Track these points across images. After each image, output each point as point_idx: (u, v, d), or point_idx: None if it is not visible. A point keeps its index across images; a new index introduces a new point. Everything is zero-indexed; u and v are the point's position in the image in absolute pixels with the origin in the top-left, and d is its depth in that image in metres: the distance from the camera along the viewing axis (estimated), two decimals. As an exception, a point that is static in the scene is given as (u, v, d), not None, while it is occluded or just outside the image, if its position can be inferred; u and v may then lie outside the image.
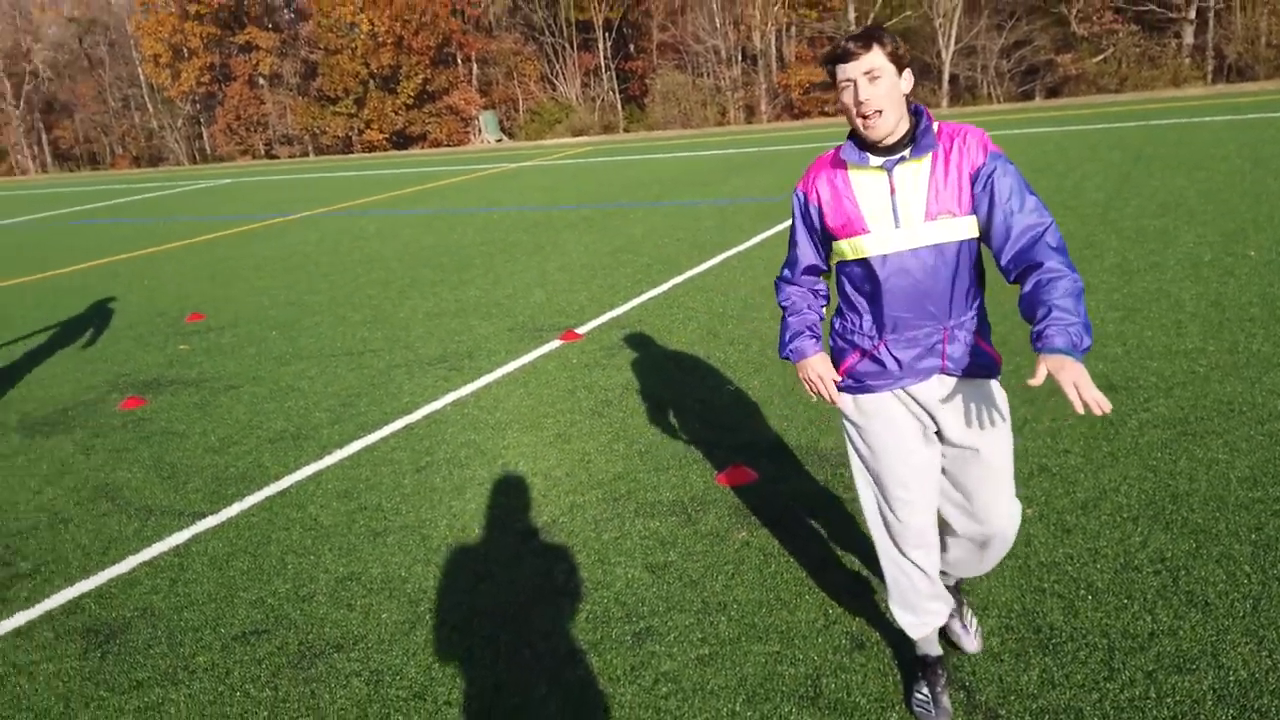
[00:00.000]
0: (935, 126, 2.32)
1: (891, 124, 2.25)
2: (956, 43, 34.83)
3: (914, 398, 2.47)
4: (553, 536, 3.79)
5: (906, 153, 2.29)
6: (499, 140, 40.76)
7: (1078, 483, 3.74)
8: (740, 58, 40.79)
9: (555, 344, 6.52)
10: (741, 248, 8.99)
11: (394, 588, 3.52)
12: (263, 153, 49.45)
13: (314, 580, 3.64)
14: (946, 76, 35.34)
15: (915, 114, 2.31)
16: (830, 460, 4.20)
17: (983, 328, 2.42)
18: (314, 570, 3.72)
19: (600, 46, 45.04)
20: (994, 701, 2.58)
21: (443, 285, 8.88)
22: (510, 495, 4.22)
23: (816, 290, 2.66)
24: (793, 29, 40.52)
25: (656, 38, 44.20)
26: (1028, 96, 34.41)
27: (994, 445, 2.46)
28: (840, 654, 2.85)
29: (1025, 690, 2.60)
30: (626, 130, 41.39)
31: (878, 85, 2.22)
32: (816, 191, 2.43)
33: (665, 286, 7.88)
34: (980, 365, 2.41)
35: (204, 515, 4.33)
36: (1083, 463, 3.91)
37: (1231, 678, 2.56)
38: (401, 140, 45.49)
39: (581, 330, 6.78)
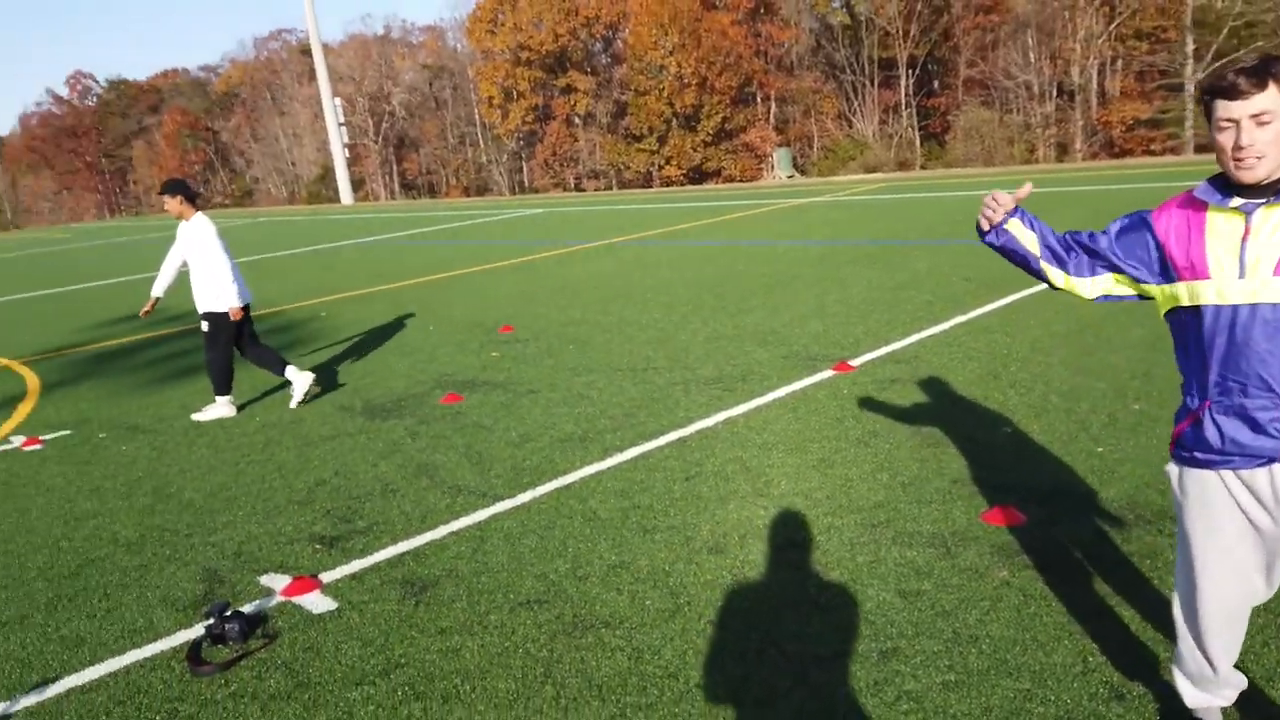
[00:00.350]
0: None
1: (1270, 169, 2.01)
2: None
3: (1246, 485, 2.19)
4: (808, 553, 3.94)
5: (1272, 196, 2.05)
6: (790, 176, 41.23)
7: None
8: (1055, 93, 38.43)
9: (828, 373, 6.64)
10: (1034, 290, 8.58)
11: (658, 579, 3.84)
12: (572, 186, 53.46)
13: (589, 564, 4.05)
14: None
15: None
16: (1111, 511, 4.00)
17: None
18: (590, 555, 4.13)
19: (902, 83, 44.28)
20: (1268, 776, 2.40)
21: (723, 312, 9.27)
22: (770, 510, 4.41)
23: (1063, 240, 2.42)
24: (1118, 62, 37.57)
25: (963, 74, 42.77)
26: None
27: None
28: (1096, 701, 2.77)
29: (1308, 770, 2.39)
30: (923, 167, 40.28)
31: (1265, 131, 1.97)
32: (1169, 224, 2.21)
33: (946, 325, 7.72)
34: None
35: (502, 498, 4.92)
36: None
37: None
38: (697, 175, 47.34)
39: (855, 362, 6.84)
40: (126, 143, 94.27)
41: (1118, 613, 3.23)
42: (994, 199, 2.42)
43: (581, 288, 11.98)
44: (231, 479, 5.69)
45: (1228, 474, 2.20)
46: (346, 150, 57.94)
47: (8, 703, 3.41)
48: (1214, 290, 2.11)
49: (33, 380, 9.58)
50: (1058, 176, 24.19)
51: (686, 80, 45.16)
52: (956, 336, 7.33)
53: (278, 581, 4.17)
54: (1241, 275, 2.08)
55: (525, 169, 58.05)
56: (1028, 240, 2.41)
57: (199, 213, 7.11)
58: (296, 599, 3.99)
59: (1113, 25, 36.00)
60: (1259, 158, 2.00)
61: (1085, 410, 5.32)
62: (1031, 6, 38.35)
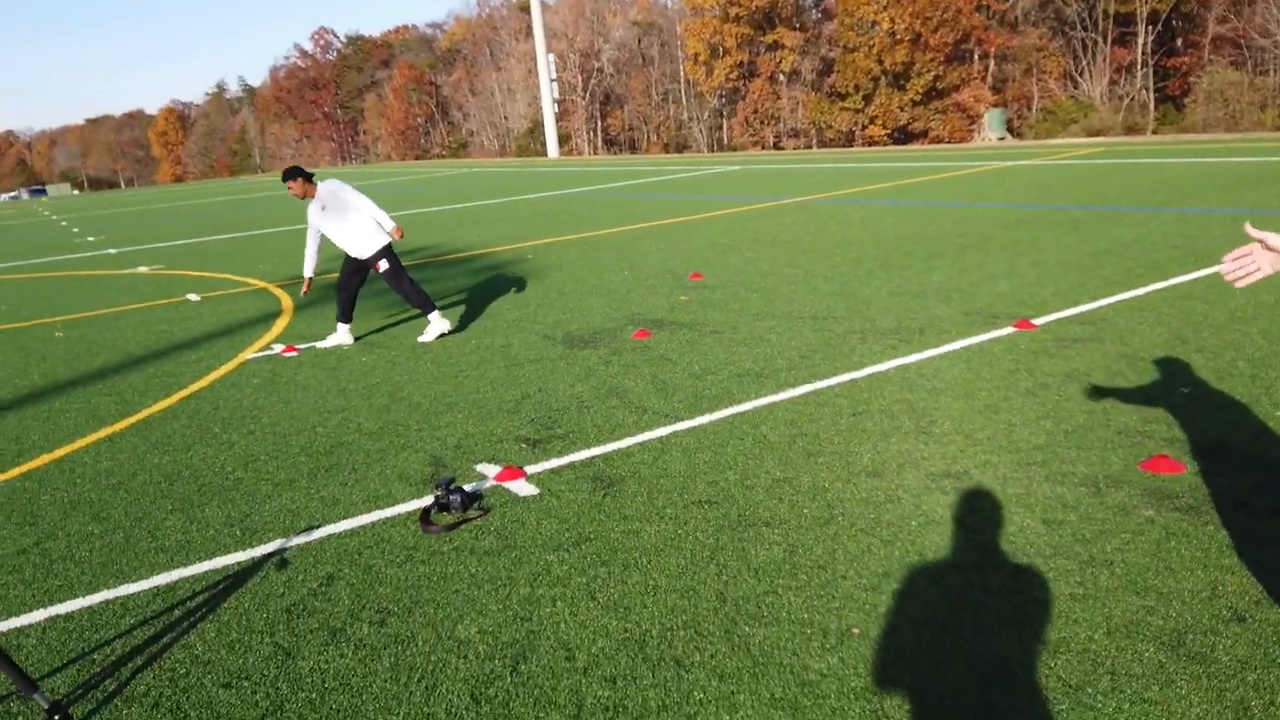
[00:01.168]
0: None
1: None
2: None
3: None
4: (960, 482, 4.23)
5: None
6: (1001, 139, 39.22)
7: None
8: (1321, 51, 34.38)
9: (1008, 330, 6.73)
10: (1250, 260, 8.15)
11: (816, 493, 4.26)
12: (771, 144, 53.13)
13: (756, 477, 4.52)
14: None
15: None
16: (1275, 469, 4.04)
17: None
18: (757, 470, 4.60)
19: (1140, 40, 40.94)
20: (1373, 696, 2.56)
21: (910, 269, 9.37)
22: (930, 445, 4.71)
23: None
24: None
25: (1212, 30, 38.99)
26: None
27: None
28: (1217, 620, 2.97)
29: None
30: (1154, 132, 37.26)
31: None
32: None
33: (1142, 290, 7.54)
34: None
35: (681, 419, 5.46)
36: None
37: None
38: (903, 136, 45.89)
39: (1038, 321, 6.87)
40: (359, 95, 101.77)
41: (1261, 556, 3.36)
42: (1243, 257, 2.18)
43: (771, 241, 12.30)
44: (451, 389, 6.55)
45: None
46: (556, 106, 60.09)
47: (284, 540, 4.30)
48: None
49: (287, 301, 11.07)
50: (1310, 144, 21.89)
51: (899, 36, 43.70)
52: (1151, 302, 7.17)
53: (490, 470, 4.91)
54: None
55: (725, 126, 58.17)
56: None
57: (319, 184, 7.87)
58: (506, 484, 4.70)
59: (1400, -27, 31.75)
60: None
61: (1273, 377, 5.21)
62: (1300, -47, 34.40)
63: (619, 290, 9.73)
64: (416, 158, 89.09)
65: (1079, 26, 42.50)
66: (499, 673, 3.08)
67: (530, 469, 4.87)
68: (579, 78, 65.37)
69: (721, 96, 57.20)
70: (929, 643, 3.02)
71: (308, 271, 8.14)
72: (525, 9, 65.80)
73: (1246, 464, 4.13)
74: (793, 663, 2.98)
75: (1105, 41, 41.94)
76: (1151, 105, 40.42)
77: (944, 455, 4.56)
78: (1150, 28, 40.49)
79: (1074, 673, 2.79)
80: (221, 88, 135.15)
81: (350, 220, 7.87)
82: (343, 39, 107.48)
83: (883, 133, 46.14)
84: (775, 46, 52.04)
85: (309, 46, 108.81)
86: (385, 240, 7.95)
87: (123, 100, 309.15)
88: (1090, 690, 2.71)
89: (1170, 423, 4.69)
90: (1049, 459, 4.39)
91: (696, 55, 54.63)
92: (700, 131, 59.66)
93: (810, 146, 50.53)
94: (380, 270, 7.96)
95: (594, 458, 4.97)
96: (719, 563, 3.69)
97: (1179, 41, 41.35)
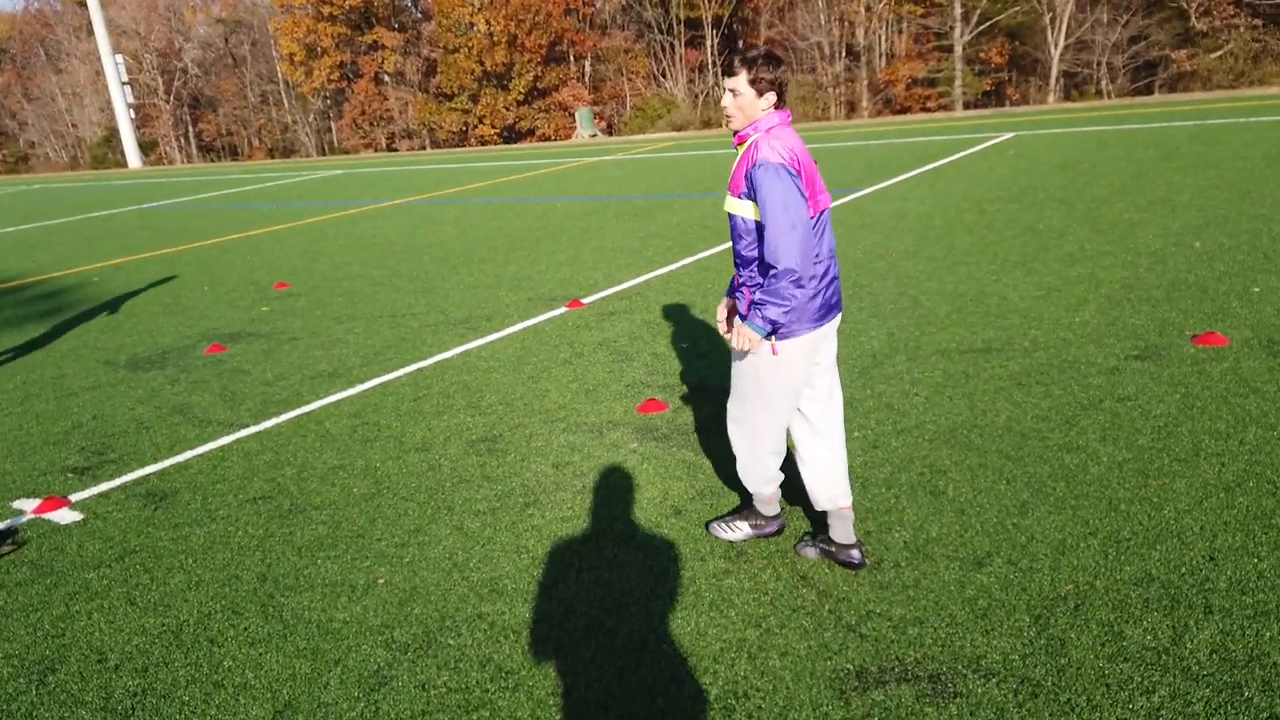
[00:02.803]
0: None
1: (738, 124, 3.22)
2: (1068, 37, 34.28)
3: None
4: (494, 445, 4.85)
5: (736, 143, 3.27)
6: (592, 135, 42.04)
7: (907, 414, 4.58)
8: (844, 54, 41.01)
9: (561, 310, 7.59)
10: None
11: (367, 473, 4.65)
12: (384, 146, 52.35)
13: (313, 468, 4.81)
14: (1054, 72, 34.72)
15: None
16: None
17: None
18: (315, 462, 4.89)
19: (708, 43, 45.93)
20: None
21: (489, 263, 10.08)
22: (475, 417, 5.30)
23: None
24: (904, 24, 40.46)
25: (764, 34, 44.83)
26: (1140, 93, 33.53)
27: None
28: (661, 516, 3.82)
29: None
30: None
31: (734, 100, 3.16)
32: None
33: (674, 266, 8.84)
34: None
35: (247, 426, 5.58)
36: (923, 402, 4.73)
37: (921, 535, 3.42)
38: (512, 135, 47.48)
39: (587, 300, 7.82)
40: None
41: (704, 464, 4.31)
42: (722, 323, 3.39)
43: (363, 245, 12.45)
44: (-11, 428, 6.05)
45: None
46: (132, 111, 54.31)
47: None
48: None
49: None
50: (839, 133, 26.20)
51: (496, 38, 45.03)
52: (678, 276, 8.45)
53: (28, 504, 4.70)
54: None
55: (334, 129, 56.27)
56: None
57: None
58: (47, 515, 4.55)
59: (889, -10, 38.58)
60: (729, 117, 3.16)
61: (749, 327, 6.51)
62: (818, -30, 40.48)
63: (196, 307, 9.38)
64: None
65: (657, 30, 46.75)
66: (23, 689, 3.12)
67: (76, 496, 4.74)
68: (159, 80, 59.51)
69: (326, 98, 55.20)
70: (440, 579, 3.54)
71: None
72: (83, 3, 58.49)
73: (717, 397, 5.18)
74: (320, 619, 3.36)
75: (680, 44, 46.59)
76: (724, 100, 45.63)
77: (485, 424, 5.17)
78: (715, 31, 45.64)
79: (550, 574, 3.47)
80: None
81: None
82: None
83: (492, 132, 47.39)
84: (376, 46, 51.24)
85: None
86: None
87: None
88: (563, 585, 3.40)
89: (668, 373, 5.71)
90: (569, 414, 5.17)
91: (292, 55, 52.15)
92: (308, 135, 57.14)
93: (425, 147, 50.55)
94: None
95: (148, 475, 4.95)
96: (265, 549, 3.95)
97: (740, 43, 47.06)
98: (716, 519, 3.69)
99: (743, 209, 3.14)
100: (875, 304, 6.82)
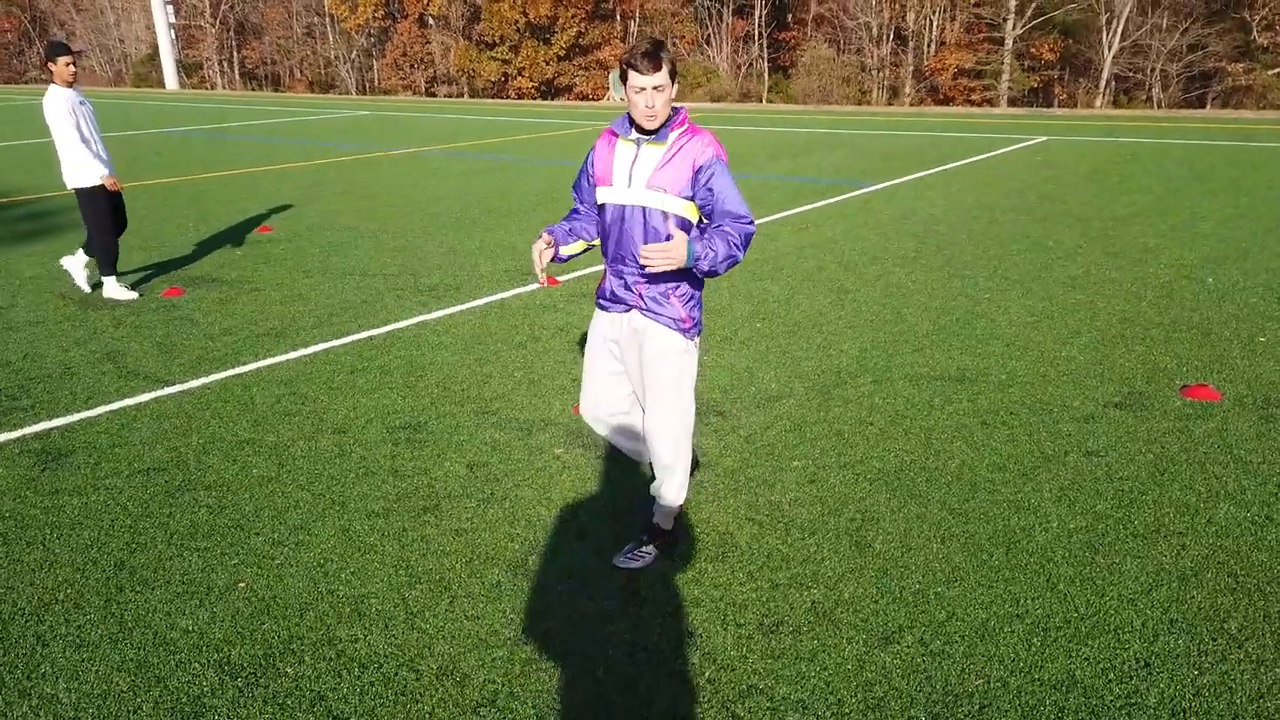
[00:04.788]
0: None
1: (659, 120, 3.03)
2: (1123, 39, 33.10)
3: (611, 324, 3.32)
4: (415, 434, 4.53)
5: (653, 136, 3.07)
6: (623, 99, 41.28)
7: (855, 446, 4.21)
8: (892, 37, 39.91)
9: (533, 287, 7.23)
10: (768, 219, 9.41)
11: (274, 453, 4.35)
12: (423, 90, 51.81)
13: (221, 440, 4.51)
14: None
15: None
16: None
17: None
18: (225, 434, 4.59)
19: (756, 13, 44.87)
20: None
21: (479, 226, 9.71)
22: (406, 399, 4.98)
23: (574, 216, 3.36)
24: (957, 11, 39.25)
25: (814, 9, 43.70)
26: (1192, 105, 32.40)
27: None
28: (567, 537, 3.49)
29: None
30: (768, 101, 41.23)
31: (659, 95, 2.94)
32: (597, 150, 3.15)
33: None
34: None
35: (174, 383, 5.29)
36: (877, 433, 4.35)
37: (832, 597, 3.06)
38: (550, 90, 46.79)
39: (563, 279, 7.46)
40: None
41: (607, 471, 3.97)
42: (536, 259, 3.12)
43: (364, 194, 12.12)
44: (-84, 358, 5.80)
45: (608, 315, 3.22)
46: (174, 30, 54.05)
47: None
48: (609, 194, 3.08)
49: None
50: (871, 121, 25.46)
51: (541, -11, 44.20)
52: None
53: (-80, 449, 4.44)
54: (629, 185, 3.02)
55: (376, 67, 55.72)
56: (576, 246, 3.24)
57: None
58: (-68, 464, 4.29)
59: (947, -27, 37.42)
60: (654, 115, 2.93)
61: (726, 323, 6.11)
62: (876, -52, 39.32)
63: (171, 244, 9.10)
64: (7, 81, 76.04)
65: (706, -5, 45.68)
66: None
67: (-31, 446, 4.48)
68: (205, 2, 59.10)
69: (369, 35, 54.62)
70: (304, 590, 3.24)
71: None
72: (136, -83, 58.06)
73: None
74: (161, 624, 3.06)
75: (729, 11, 45.53)
76: (766, 74, 44.65)
77: (414, 409, 4.85)
78: (765, 1, 44.53)
79: (421, 599, 3.16)
80: None
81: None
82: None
83: (530, 85, 46.71)
84: (422, -13, 50.46)
85: None
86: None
87: None
88: (430, 614, 3.08)
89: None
90: (503, 406, 4.84)
91: (338, -12, 51.58)
92: (349, 72, 56.63)
93: (463, 95, 49.95)
94: None
95: (51, 430, 4.67)
96: (135, 531, 3.67)
97: (789, 17, 45.96)
98: (622, 553, 3.36)
99: (686, 209, 3.00)
100: (856, 313, 6.41)
